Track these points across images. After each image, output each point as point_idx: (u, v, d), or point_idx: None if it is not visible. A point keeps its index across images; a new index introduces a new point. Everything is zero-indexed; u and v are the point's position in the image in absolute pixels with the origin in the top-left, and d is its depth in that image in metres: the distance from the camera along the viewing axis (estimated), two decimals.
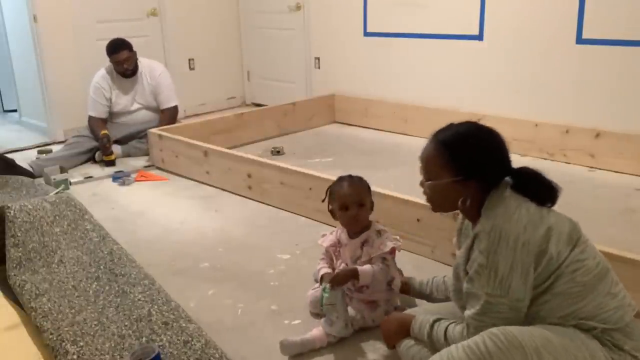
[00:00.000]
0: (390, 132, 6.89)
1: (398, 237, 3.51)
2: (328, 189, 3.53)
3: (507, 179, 2.61)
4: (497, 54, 6.05)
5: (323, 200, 3.54)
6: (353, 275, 3.28)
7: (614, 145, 5.19)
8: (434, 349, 2.64)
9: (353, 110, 7.24)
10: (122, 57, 6.03)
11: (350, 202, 3.39)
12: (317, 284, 3.63)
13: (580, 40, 5.40)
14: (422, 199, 4.05)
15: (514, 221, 2.44)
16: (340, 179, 3.53)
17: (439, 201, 2.72)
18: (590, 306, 2.40)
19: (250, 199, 5.17)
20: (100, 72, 6.20)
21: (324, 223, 4.49)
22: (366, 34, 7.08)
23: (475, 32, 6.14)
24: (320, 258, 3.55)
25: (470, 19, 6.13)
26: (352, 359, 3.09)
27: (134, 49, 6.26)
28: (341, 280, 3.27)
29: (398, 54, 6.86)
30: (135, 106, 6.28)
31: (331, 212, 3.52)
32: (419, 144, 6.47)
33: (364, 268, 3.31)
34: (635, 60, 5.13)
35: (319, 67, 7.68)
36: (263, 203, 5.09)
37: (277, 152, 6.11)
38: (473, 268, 2.50)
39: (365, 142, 6.80)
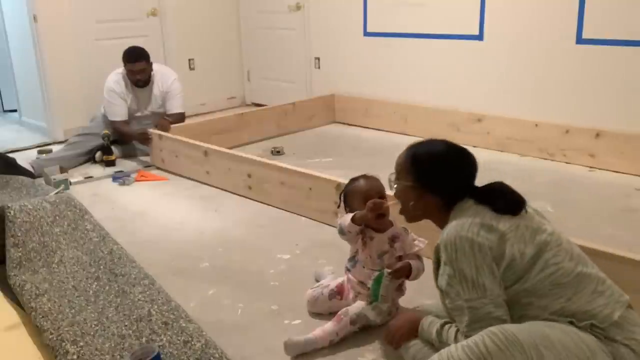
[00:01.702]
0: (390, 132, 6.89)
1: None
2: (341, 194, 3.54)
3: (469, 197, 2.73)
4: (497, 53, 6.06)
5: (338, 206, 3.55)
6: (410, 270, 3.32)
7: (614, 145, 5.19)
8: (438, 347, 2.63)
9: (353, 110, 7.27)
10: (138, 67, 6.03)
11: (373, 195, 3.36)
12: (317, 284, 3.64)
13: (580, 40, 5.42)
14: None
15: (467, 228, 2.54)
16: (354, 179, 3.54)
17: (401, 202, 2.89)
18: (577, 305, 2.44)
19: (251, 199, 5.18)
20: (113, 76, 6.17)
21: (324, 223, 4.52)
22: (366, 33, 7.10)
23: (476, 32, 6.15)
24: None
25: (471, 19, 6.14)
26: (353, 358, 3.09)
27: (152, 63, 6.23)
28: (404, 274, 3.31)
29: (398, 54, 6.87)
30: (144, 112, 6.28)
31: (351, 210, 3.47)
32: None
33: (414, 264, 3.33)
34: (635, 60, 5.14)
35: (319, 67, 7.70)
36: (263, 203, 5.10)
37: (277, 152, 6.13)
38: (444, 281, 2.57)
39: (365, 142, 6.83)
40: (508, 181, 4.89)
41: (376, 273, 3.29)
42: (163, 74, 6.29)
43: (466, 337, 2.49)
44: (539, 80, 5.81)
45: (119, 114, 6.09)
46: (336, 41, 7.43)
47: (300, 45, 7.79)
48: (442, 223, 2.74)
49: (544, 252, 2.54)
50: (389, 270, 3.25)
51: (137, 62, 6.01)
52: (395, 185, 2.90)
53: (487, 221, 2.56)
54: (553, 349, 2.33)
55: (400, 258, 3.39)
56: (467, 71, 6.35)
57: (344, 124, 7.40)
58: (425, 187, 2.76)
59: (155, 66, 6.25)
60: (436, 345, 2.69)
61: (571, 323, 2.43)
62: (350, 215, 3.34)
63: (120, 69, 6.13)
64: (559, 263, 2.52)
